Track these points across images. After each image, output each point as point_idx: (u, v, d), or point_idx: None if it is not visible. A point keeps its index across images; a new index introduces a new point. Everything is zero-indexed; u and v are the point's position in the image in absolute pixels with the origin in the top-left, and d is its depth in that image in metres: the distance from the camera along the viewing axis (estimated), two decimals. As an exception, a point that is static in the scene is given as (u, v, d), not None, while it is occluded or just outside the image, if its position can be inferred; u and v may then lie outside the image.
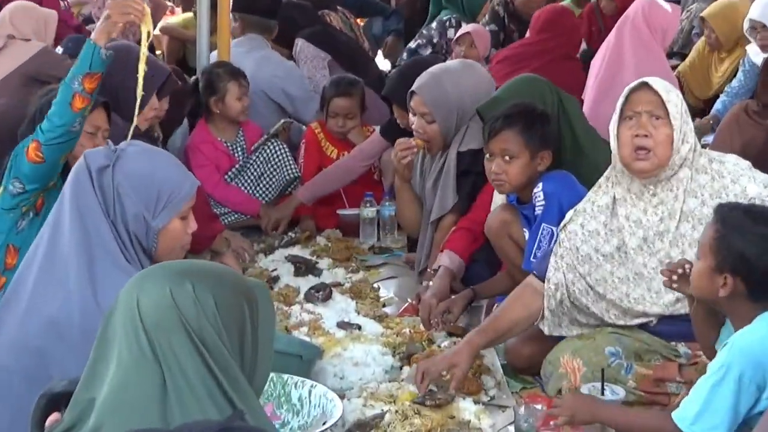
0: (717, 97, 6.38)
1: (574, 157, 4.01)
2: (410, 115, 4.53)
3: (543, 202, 3.75)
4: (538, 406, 3.29)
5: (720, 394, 2.64)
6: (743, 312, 2.73)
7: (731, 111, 5.01)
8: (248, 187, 5.55)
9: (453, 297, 4.09)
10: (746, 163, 3.40)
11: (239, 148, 5.60)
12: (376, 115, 5.71)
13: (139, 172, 2.74)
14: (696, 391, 2.71)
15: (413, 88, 4.49)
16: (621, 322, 3.44)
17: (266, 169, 5.55)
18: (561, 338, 3.52)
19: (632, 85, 3.35)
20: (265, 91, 5.97)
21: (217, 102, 5.49)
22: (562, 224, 3.53)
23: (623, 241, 3.39)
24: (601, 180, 3.50)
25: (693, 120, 3.61)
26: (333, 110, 5.61)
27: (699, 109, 6.57)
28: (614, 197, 3.43)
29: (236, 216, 5.48)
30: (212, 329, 1.84)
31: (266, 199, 5.55)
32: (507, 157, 3.86)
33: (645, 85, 3.31)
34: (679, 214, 3.34)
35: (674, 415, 2.72)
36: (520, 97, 4.08)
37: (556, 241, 3.56)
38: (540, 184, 3.80)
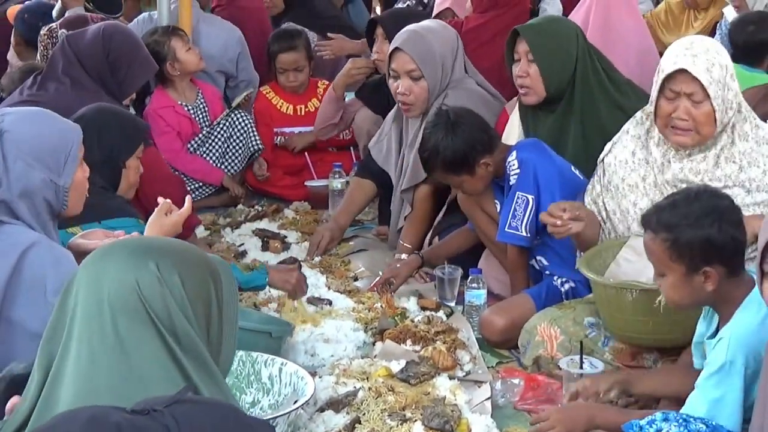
0: None
1: (611, 110, 3.88)
2: (391, 80, 4.35)
3: (517, 170, 3.67)
4: (515, 381, 3.26)
5: (728, 392, 2.54)
6: (730, 293, 2.66)
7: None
8: (213, 161, 5.43)
9: (398, 265, 4.06)
10: None
11: (201, 113, 5.47)
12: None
13: (31, 138, 2.66)
14: (701, 391, 2.59)
15: (396, 45, 4.29)
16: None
17: (231, 142, 5.43)
18: (538, 308, 3.51)
19: (670, 69, 3.20)
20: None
21: (173, 64, 5.33)
22: (601, 157, 3.50)
23: (652, 172, 3.35)
24: (639, 113, 3.45)
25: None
26: (281, 66, 5.59)
27: None
28: (648, 130, 3.39)
29: (198, 191, 5.33)
30: (179, 309, 1.76)
31: (231, 171, 5.45)
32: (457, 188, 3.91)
33: (684, 71, 3.17)
34: (709, 176, 3.25)
35: None
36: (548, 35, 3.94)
37: (533, 208, 3.55)
38: (513, 152, 3.72)
